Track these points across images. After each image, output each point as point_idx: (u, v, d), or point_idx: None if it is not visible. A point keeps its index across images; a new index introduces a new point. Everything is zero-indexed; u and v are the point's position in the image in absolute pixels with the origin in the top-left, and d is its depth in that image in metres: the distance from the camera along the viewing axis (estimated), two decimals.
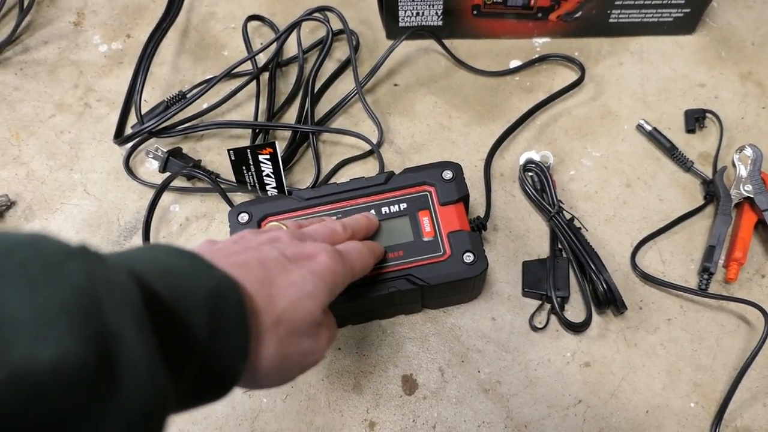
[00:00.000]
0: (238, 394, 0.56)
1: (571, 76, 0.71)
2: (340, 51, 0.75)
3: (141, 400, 0.23)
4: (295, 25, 0.70)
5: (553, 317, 0.58)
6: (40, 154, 0.70)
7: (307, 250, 0.40)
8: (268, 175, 0.61)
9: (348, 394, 0.56)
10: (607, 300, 0.56)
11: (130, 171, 0.68)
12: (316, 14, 0.71)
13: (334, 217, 0.53)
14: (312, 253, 0.40)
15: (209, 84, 0.67)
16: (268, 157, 0.59)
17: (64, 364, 0.20)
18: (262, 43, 0.75)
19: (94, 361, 0.21)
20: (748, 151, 0.62)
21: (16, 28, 0.77)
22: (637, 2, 0.69)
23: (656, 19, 0.71)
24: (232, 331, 0.31)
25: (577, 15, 0.70)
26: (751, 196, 0.59)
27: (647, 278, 0.59)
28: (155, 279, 0.28)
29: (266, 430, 0.55)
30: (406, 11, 0.71)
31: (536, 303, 0.59)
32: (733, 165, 0.62)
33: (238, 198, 0.65)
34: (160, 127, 0.66)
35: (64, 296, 0.22)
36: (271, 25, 0.77)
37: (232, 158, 0.60)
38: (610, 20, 0.71)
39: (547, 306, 0.58)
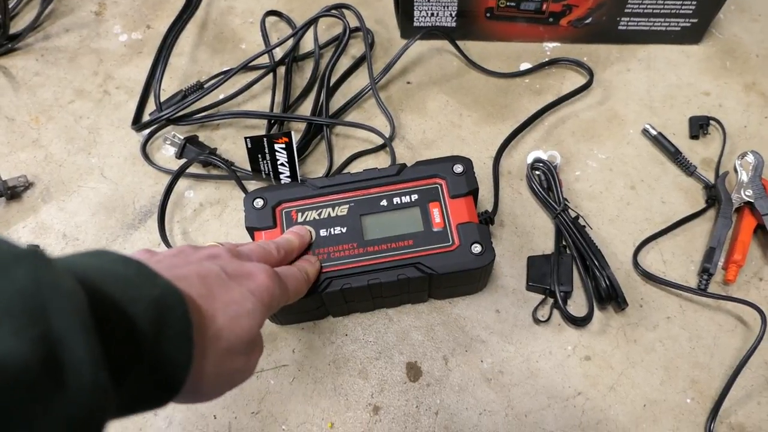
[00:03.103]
0: None
1: (580, 80, 0.73)
2: (356, 48, 0.77)
3: (83, 403, 0.23)
4: (313, 21, 0.72)
5: (555, 311, 0.59)
6: (59, 138, 0.72)
7: (246, 268, 0.41)
8: (282, 164, 0.62)
9: (354, 379, 0.58)
10: (609, 296, 0.58)
11: (146, 157, 0.69)
12: (334, 11, 0.73)
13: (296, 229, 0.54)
14: (251, 272, 0.41)
15: (227, 75, 0.69)
16: (283, 146, 0.61)
17: (7, 362, 0.20)
18: (279, 38, 0.77)
19: (38, 363, 0.22)
20: (750, 158, 0.63)
21: (38, 16, 0.79)
22: (646, 11, 0.70)
23: (664, 29, 0.73)
24: (177, 341, 0.31)
25: (587, 21, 0.72)
26: (752, 200, 0.61)
27: (648, 277, 0.60)
28: (101, 286, 0.28)
29: (273, 411, 0.56)
30: (421, 12, 0.73)
31: (540, 297, 0.60)
32: (735, 171, 0.64)
33: (252, 186, 0.67)
34: (178, 114, 0.68)
35: (10, 298, 0.22)
36: (289, 21, 0.79)
37: (249, 146, 0.61)
38: (620, 28, 0.73)
39: (551, 300, 0.60)
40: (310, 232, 0.55)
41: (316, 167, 0.69)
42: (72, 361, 0.23)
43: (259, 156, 0.62)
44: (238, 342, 0.37)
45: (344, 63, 0.75)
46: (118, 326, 0.28)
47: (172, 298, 0.31)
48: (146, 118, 0.71)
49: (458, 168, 0.57)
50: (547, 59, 0.74)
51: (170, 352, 0.30)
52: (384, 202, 0.56)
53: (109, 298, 0.28)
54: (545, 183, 0.64)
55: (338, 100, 0.73)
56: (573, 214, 0.62)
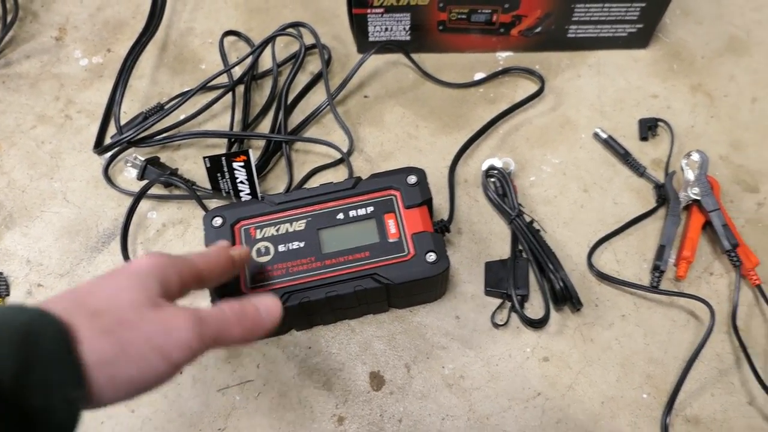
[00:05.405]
0: (212, 392, 0.58)
1: (532, 87, 0.74)
2: (313, 64, 0.78)
3: None
4: (270, 39, 0.74)
5: (513, 315, 0.61)
6: (21, 163, 0.73)
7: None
8: (242, 182, 0.63)
9: (318, 391, 0.58)
10: (564, 297, 0.59)
11: (108, 179, 0.70)
12: (290, 30, 0.74)
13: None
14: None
15: (186, 96, 0.70)
16: (242, 164, 0.62)
17: None
18: (238, 57, 0.78)
19: None
20: (695, 156, 0.65)
21: None
22: (593, 18, 0.73)
23: (612, 34, 0.75)
24: (53, 364, 0.30)
25: (537, 30, 0.74)
26: (699, 198, 0.63)
27: (603, 277, 0.62)
28: None
29: (239, 427, 0.57)
30: (375, 27, 0.74)
31: (498, 301, 0.62)
32: (682, 170, 0.66)
33: (214, 204, 0.68)
34: (139, 137, 0.69)
35: None
36: (247, 40, 0.80)
37: (208, 165, 0.62)
38: (569, 35, 0.75)
39: (508, 304, 0.61)
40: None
41: (277, 183, 0.70)
42: None
43: (219, 175, 0.63)
44: (125, 310, 0.35)
45: (302, 80, 0.76)
46: None
47: (41, 323, 0.30)
48: (108, 141, 0.72)
49: (412, 179, 0.58)
50: (500, 69, 0.75)
51: (46, 376, 0.29)
52: (341, 216, 0.57)
53: None
54: (500, 189, 0.66)
55: (297, 117, 0.74)
56: (528, 219, 0.64)
